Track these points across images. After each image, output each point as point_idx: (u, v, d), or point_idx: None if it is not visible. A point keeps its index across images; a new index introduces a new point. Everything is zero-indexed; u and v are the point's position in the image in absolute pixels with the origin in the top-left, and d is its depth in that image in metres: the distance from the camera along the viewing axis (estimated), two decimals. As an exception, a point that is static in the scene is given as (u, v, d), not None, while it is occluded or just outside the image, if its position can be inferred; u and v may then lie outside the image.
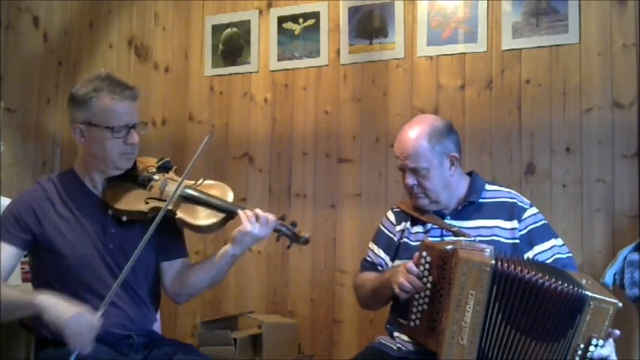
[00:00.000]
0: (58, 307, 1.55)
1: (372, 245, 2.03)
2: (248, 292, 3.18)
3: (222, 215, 1.77)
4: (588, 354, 1.52)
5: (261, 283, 3.16)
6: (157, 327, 2.00)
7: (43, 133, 3.59)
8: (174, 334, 3.21)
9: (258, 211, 1.75)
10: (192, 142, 3.38)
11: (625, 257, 2.32)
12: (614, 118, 2.61)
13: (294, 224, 1.82)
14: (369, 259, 2.01)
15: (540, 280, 1.52)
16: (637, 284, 2.24)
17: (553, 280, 1.53)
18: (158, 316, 1.98)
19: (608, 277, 2.32)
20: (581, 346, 1.52)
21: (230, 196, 1.82)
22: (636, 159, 2.56)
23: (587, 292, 1.51)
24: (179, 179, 1.79)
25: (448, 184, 1.88)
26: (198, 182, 1.85)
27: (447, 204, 1.90)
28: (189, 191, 1.79)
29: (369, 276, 1.95)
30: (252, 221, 1.73)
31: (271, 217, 1.75)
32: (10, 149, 3.34)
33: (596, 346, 1.52)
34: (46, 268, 1.73)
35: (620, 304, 1.52)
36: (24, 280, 2.46)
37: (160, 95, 3.47)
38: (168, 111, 3.46)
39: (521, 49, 2.77)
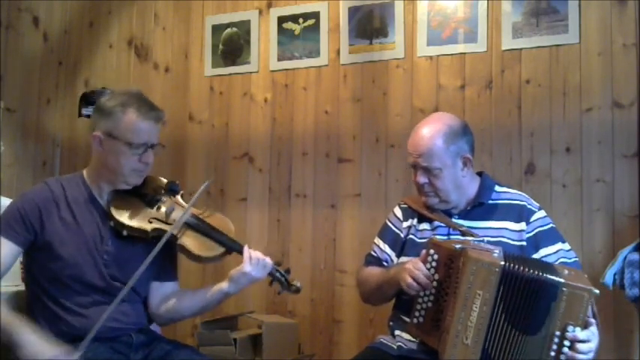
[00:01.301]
0: (36, 346, 1.55)
1: (377, 240, 2.02)
2: (248, 292, 3.18)
3: (222, 250, 1.81)
4: (565, 342, 1.51)
5: (261, 283, 3.11)
6: (157, 327, 2.00)
7: (43, 133, 3.59)
8: (174, 334, 3.21)
9: (257, 253, 1.79)
10: (192, 142, 3.39)
11: (625, 257, 2.31)
12: (614, 118, 2.61)
13: (287, 271, 1.85)
14: (374, 253, 2.00)
15: (536, 275, 1.53)
16: (637, 284, 2.24)
17: (536, 272, 1.53)
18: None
19: (608, 277, 2.32)
20: (557, 333, 1.52)
21: (232, 232, 1.85)
22: (636, 159, 2.56)
23: (559, 279, 1.51)
24: (185, 205, 1.83)
25: (459, 185, 1.87)
26: (203, 212, 1.88)
27: (456, 204, 1.89)
28: (195, 221, 1.82)
29: (374, 271, 1.94)
30: (253, 263, 1.76)
31: (269, 260, 1.79)
32: (10, 149, 3.34)
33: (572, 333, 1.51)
34: (40, 269, 1.74)
35: (597, 292, 1.51)
36: (23, 279, 2.45)
37: (159, 95, 3.46)
38: (169, 111, 3.43)
39: (521, 49, 2.77)
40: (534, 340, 1.53)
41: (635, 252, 2.31)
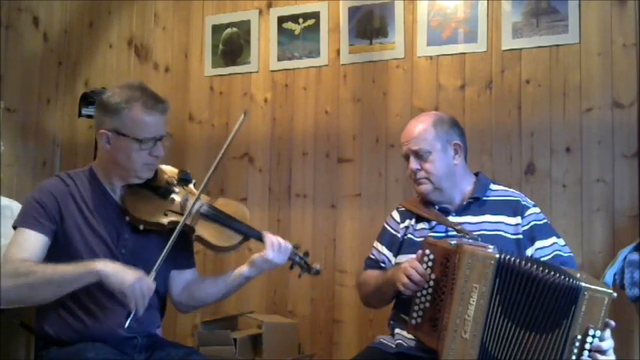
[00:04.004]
0: (120, 272, 1.58)
1: (376, 244, 2.04)
2: (248, 292, 3.18)
3: (240, 238, 1.81)
4: (586, 345, 1.52)
5: (261, 283, 3.16)
6: (158, 331, 2.01)
7: (43, 133, 3.59)
8: (174, 334, 3.21)
9: (278, 238, 1.80)
10: (192, 142, 3.39)
11: (625, 257, 2.31)
12: (614, 118, 2.61)
13: (307, 254, 1.87)
14: (372, 256, 2.03)
15: (540, 274, 1.54)
16: (637, 284, 2.24)
17: (550, 272, 1.54)
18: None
19: (608, 277, 2.32)
20: (579, 337, 1.52)
21: (248, 218, 1.86)
22: (636, 159, 2.56)
23: (581, 283, 1.52)
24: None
25: (452, 173, 1.90)
26: (217, 200, 1.89)
27: (450, 195, 1.91)
28: (210, 210, 1.82)
29: (373, 274, 1.96)
30: (275, 249, 1.78)
31: (288, 245, 1.80)
32: (10, 149, 3.34)
33: (593, 336, 1.52)
34: (59, 262, 1.72)
35: (615, 294, 1.53)
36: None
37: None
38: (168, 111, 3.45)
39: (521, 49, 2.77)
40: (549, 340, 1.53)
41: (635, 252, 2.31)
